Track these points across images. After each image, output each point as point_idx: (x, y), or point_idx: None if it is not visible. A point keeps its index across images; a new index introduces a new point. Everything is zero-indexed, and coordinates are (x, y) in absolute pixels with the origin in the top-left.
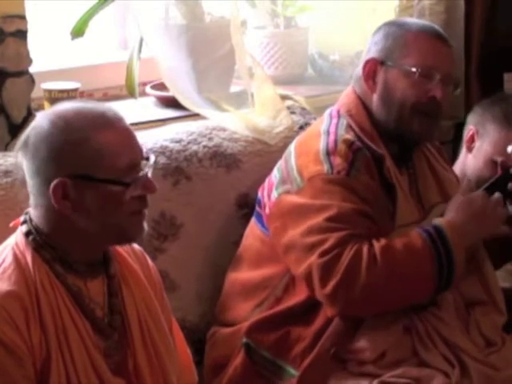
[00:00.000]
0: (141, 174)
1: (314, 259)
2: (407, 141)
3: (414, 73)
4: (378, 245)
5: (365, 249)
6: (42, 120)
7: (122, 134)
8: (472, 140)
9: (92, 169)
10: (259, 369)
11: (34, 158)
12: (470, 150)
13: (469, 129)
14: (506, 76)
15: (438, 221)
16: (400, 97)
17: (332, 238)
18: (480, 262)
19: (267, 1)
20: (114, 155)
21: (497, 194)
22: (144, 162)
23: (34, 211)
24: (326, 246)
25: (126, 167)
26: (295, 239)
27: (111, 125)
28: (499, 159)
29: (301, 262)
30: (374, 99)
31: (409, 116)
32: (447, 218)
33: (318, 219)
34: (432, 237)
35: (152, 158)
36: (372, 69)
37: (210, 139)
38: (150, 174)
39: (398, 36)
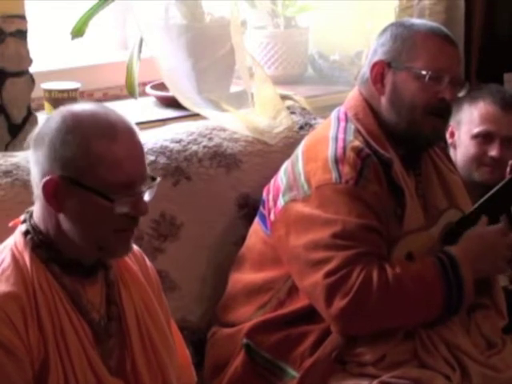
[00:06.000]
0: (136, 193)
1: (319, 278)
2: (418, 143)
3: (424, 75)
4: (391, 272)
5: (375, 273)
6: (57, 114)
7: (126, 149)
8: (452, 135)
9: (84, 175)
10: (260, 369)
11: (37, 148)
12: (453, 145)
13: (448, 127)
14: (506, 76)
15: (453, 251)
16: (410, 99)
17: (338, 257)
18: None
19: (267, 1)
20: (110, 168)
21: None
22: (146, 182)
23: (35, 205)
24: (332, 265)
25: (119, 183)
26: (299, 251)
27: (118, 138)
28: (477, 130)
29: (304, 276)
30: (383, 102)
31: (420, 118)
32: (461, 248)
33: (323, 234)
34: (446, 269)
35: (157, 180)
36: (379, 71)
37: (210, 139)
38: (147, 196)
39: (407, 37)
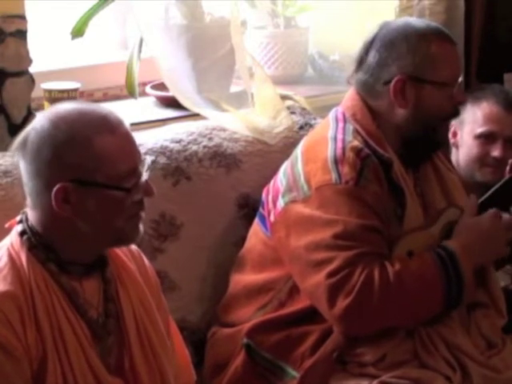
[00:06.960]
0: (141, 178)
1: (321, 279)
2: (429, 146)
3: (448, 85)
4: (392, 270)
5: (376, 272)
6: (42, 121)
7: (123, 138)
8: (455, 135)
9: (94, 173)
10: (260, 369)
11: (34, 160)
12: (456, 145)
13: (451, 128)
14: (506, 76)
15: (451, 246)
16: (437, 111)
17: (340, 258)
18: (483, 265)
19: (267, 1)
20: (116, 160)
21: (507, 216)
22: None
23: (31, 212)
24: (334, 265)
25: (126, 172)
26: (300, 252)
27: (113, 129)
28: (480, 130)
29: (306, 277)
30: (402, 113)
31: (439, 124)
32: (459, 241)
33: (324, 235)
34: (445, 263)
35: (148, 160)
36: (399, 85)
37: (210, 139)
38: (146, 177)
39: (423, 50)
